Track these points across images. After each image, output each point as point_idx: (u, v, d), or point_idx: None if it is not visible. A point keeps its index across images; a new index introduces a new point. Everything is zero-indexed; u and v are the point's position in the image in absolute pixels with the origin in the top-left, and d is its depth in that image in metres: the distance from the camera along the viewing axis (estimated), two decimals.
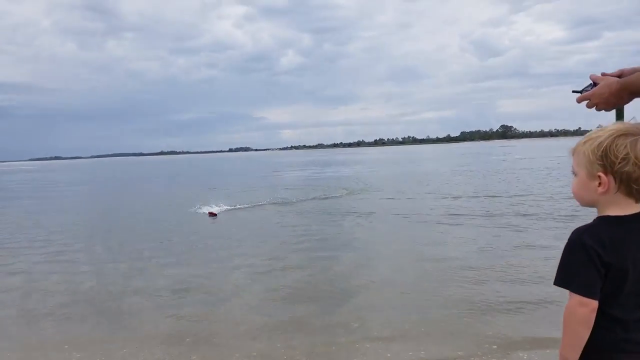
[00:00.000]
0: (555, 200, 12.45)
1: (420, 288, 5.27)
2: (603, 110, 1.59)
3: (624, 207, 1.28)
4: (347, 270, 6.32)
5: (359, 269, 6.43)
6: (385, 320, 4.29)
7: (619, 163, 1.24)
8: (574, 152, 1.36)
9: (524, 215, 10.22)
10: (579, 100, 1.63)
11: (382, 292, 5.26)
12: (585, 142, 1.32)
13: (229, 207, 13.48)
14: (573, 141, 1.40)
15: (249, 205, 14.37)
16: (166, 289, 5.74)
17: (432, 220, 10.12)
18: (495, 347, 3.65)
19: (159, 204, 15.91)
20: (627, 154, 1.23)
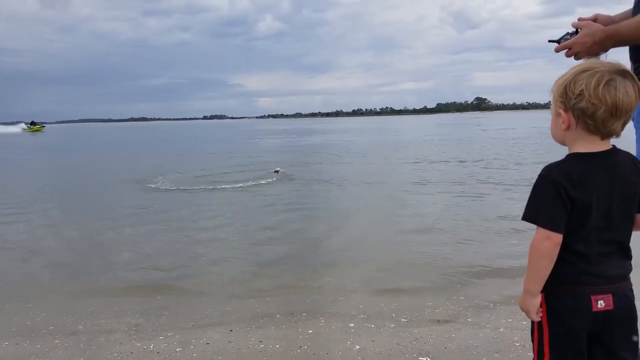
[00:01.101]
0: (523, 165, 13.18)
1: (392, 246, 5.57)
2: (582, 60, 1.55)
3: (590, 144, 1.29)
4: (322, 234, 6.33)
5: (333, 231, 6.48)
6: (359, 273, 4.57)
7: (575, 99, 1.25)
8: (551, 91, 1.37)
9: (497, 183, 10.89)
10: (558, 50, 1.61)
11: (355, 251, 5.49)
12: (556, 81, 1.33)
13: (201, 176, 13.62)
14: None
15: (230, 171, 14.65)
16: (133, 254, 5.59)
17: (406, 186, 10.57)
18: (464, 280, 4.18)
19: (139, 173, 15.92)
20: (582, 90, 1.23)
